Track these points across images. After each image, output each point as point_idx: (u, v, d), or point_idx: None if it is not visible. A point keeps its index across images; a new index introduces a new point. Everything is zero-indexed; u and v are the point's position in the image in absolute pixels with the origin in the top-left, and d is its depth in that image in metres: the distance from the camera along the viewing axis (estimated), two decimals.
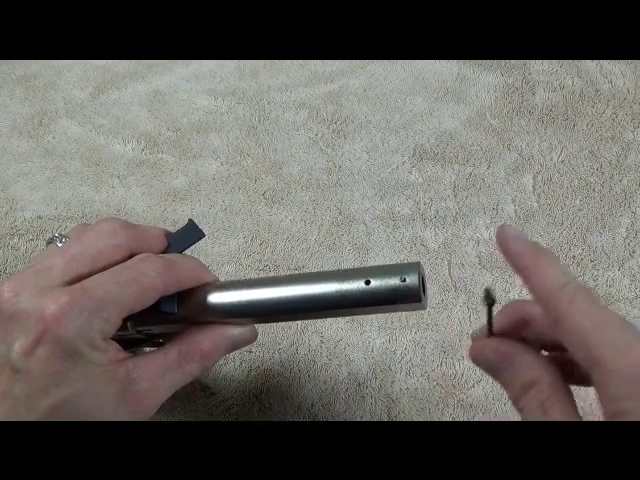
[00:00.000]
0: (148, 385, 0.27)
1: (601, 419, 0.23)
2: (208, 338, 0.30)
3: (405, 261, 0.57)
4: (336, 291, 0.30)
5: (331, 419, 0.50)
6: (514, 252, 0.26)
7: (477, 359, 0.28)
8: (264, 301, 0.32)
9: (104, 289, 0.26)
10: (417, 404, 0.51)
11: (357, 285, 0.30)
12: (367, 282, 0.30)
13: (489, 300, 0.28)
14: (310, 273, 0.33)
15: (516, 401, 0.26)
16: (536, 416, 0.24)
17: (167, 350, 0.29)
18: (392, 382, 0.52)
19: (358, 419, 0.50)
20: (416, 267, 0.30)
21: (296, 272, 0.58)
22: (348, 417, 0.51)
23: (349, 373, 0.52)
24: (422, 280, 0.30)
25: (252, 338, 0.32)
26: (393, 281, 0.29)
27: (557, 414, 0.24)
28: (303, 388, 0.52)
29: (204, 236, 0.34)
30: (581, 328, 0.23)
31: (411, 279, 0.29)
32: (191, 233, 0.33)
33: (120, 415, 0.26)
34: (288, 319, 0.35)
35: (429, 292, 0.32)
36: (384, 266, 0.31)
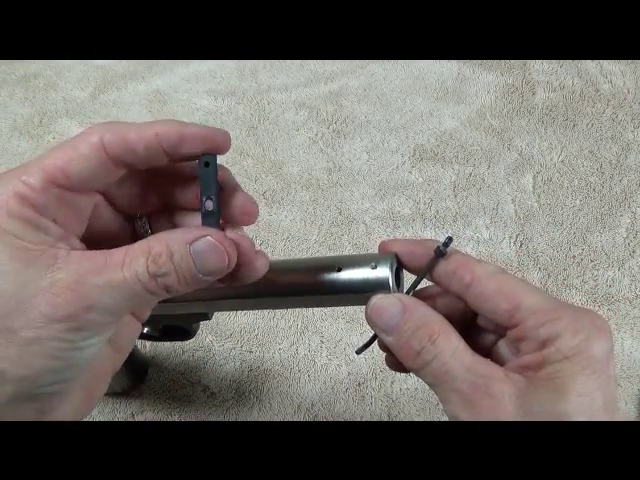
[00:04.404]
0: (75, 277, 0.22)
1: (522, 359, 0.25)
2: (160, 240, 0.24)
3: None
4: (307, 277, 0.30)
5: (331, 419, 0.50)
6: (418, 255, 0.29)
7: (380, 312, 0.28)
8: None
9: (31, 161, 0.23)
10: (417, 404, 0.51)
11: (328, 271, 0.29)
12: (338, 269, 0.29)
13: (443, 250, 0.27)
14: (283, 260, 0.33)
15: (417, 355, 0.26)
16: (450, 360, 0.25)
17: (113, 251, 0.23)
18: (392, 382, 0.52)
19: (358, 419, 0.50)
20: (389, 257, 0.29)
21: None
22: (348, 417, 0.51)
23: (349, 373, 0.52)
24: (396, 272, 0.29)
25: (218, 257, 0.24)
26: (364, 269, 0.29)
27: (478, 362, 0.25)
28: (303, 388, 0.52)
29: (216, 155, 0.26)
30: (495, 283, 0.26)
31: (382, 268, 0.28)
32: (210, 167, 0.25)
33: (45, 304, 0.21)
34: (260, 305, 0.34)
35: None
36: (358, 255, 0.31)
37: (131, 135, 0.23)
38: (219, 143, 0.25)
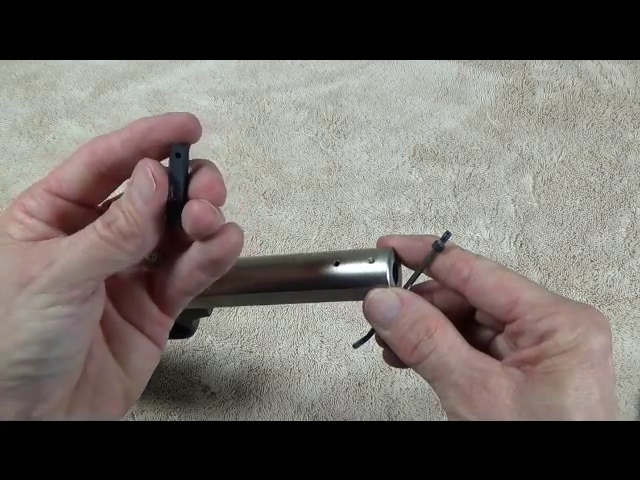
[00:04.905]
0: (45, 247, 0.23)
1: (521, 351, 0.25)
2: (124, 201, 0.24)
3: None
4: (305, 271, 0.30)
5: (331, 419, 0.50)
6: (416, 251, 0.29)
7: (378, 305, 0.28)
8: (236, 278, 0.31)
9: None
10: (417, 404, 0.51)
11: (326, 266, 0.30)
12: (336, 263, 0.29)
13: (441, 244, 0.27)
14: (281, 255, 0.33)
15: (414, 348, 0.26)
16: (447, 354, 0.25)
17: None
18: (392, 382, 0.52)
19: (358, 419, 0.50)
20: (387, 252, 0.29)
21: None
22: (348, 417, 0.51)
23: (349, 373, 0.52)
24: (394, 267, 0.30)
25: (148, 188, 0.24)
26: (362, 263, 0.29)
27: (475, 356, 0.25)
28: (303, 388, 0.52)
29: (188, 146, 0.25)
30: (494, 278, 0.26)
31: (380, 262, 0.29)
32: (181, 158, 0.25)
33: (15, 273, 0.23)
34: (258, 301, 0.34)
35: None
36: (356, 249, 0.31)
37: (112, 138, 0.25)
38: (183, 125, 0.24)
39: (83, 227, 0.25)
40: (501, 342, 0.28)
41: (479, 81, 0.73)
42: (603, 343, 0.23)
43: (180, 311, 0.29)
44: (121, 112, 0.73)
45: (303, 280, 0.30)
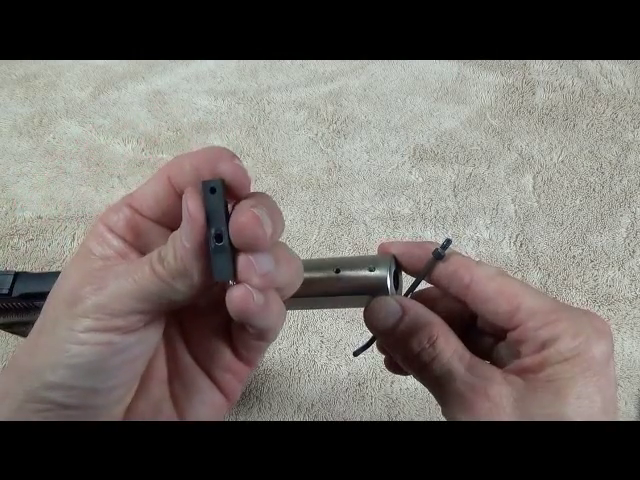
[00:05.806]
0: (105, 270, 0.23)
1: (523, 356, 0.25)
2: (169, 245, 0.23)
3: None
4: (305, 278, 0.29)
5: (331, 419, 0.50)
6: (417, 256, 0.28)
7: (379, 314, 0.27)
8: None
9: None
10: (417, 404, 0.51)
11: (326, 273, 0.30)
12: (337, 271, 0.29)
13: (442, 252, 0.27)
14: None
15: (415, 357, 0.26)
16: (449, 361, 0.25)
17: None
18: (392, 382, 0.52)
19: (358, 419, 0.50)
20: (387, 259, 0.29)
21: None
22: (348, 417, 0.51)
23: (349, 373, 0.52)
24: (395, 274, 0.29)
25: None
26: (362, 271, 0.29)
27: (477, 364, 0.25)
28: (303, 388, 0.52)
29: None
30: (495, 285, 0.26)
31: (380, 270, 0.28)
32: (217, 194, 0.22)
33: (84, 292, 0.22)
34: None
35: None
36: (357, 257, 0.31)
37: (184, 159, 0.23)
38: (227, 171, 0.23)
39: (155, 242, 0.24)
40: (503, 349, 0.27)
41: (479, 81, 0.73)
42: (604, 350, 0.23)
43: (259, 361, 0.27)
44: (121, 112, 0.73)
45: (303, 288, 0.30)
